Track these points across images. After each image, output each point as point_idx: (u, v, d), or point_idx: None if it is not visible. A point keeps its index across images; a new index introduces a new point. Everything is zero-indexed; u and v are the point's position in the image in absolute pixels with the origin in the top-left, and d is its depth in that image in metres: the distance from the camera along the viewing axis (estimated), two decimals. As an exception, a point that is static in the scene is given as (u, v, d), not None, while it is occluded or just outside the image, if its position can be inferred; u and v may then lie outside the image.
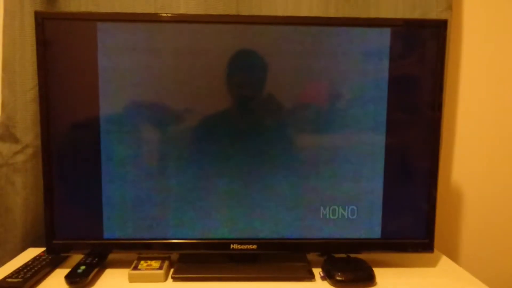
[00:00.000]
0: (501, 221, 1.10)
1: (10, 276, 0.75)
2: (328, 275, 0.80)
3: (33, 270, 0.78)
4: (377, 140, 0.82)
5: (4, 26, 0.90)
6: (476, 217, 1.10)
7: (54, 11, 0.91)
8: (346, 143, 0.82)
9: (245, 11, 0.96)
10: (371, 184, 0.83)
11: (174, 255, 0.86)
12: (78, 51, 0.78)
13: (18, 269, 0.78)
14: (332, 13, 0.96)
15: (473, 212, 1.10)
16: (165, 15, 0.80)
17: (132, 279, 0.78)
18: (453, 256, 1.09)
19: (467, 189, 1.09)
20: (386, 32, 0.79)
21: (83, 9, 0.94)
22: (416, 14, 0.95)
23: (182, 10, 0.93)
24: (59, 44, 0.77)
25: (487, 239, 1.11)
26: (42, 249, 0.88)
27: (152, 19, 0.79)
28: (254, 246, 0.82)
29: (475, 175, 1.08)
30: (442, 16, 0.94)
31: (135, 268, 0.80)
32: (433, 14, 0.95)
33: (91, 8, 0.94)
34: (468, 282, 0.81)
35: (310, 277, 0.80)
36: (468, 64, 1.05)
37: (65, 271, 0.78)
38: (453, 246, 1.11)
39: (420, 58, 0.81)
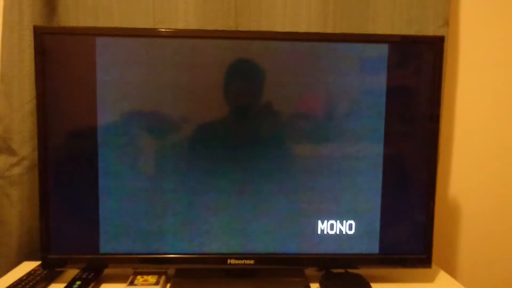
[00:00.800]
0: (499, 235, 1.10)
1: (5, 291, 0.75)
2: (325, 291, 0.79)
3: (28, 286, 0.77)
4: (375, 154, 0.82)
5: (3, 39, 0.90)
6: (473, 231, 1.10)
7: (52, 25, 0.92)
8: (344, 156, 0.82)
9: (243, 25, 0.96)
10: (369, 198, 0.83)
11: (171, 270, 0.86)
12: (76, 65, 0.78)
13: (12, 284, 0.78)
14: (330, 27, 0.96)
15: (471, 226, 1.10)
16: (164, 30, 0.81)
17: (128, 295, 0.77)
18: (451, 270, 1.08)
19: (465, 203, 1.09)
20: (384, 48, 0.80)
21: (82, 22, 0.94)
22: (413, 30, 0.96)
23: (180, 25, 0.93)
24: (57, 58, 0.77)
25: (485, 253, 1.10)
26: (37, 263, 0.87)
27: (150, 34, 0.80)
28: (251, 261, 0.82)
29: (472, 189, 1.09)
30: (439, 32, 0.94)
31: (131, 283, 0.79)
32: (430, 30, 0.95)
33: (90, 21, 0.94)
34: (466, 298, 0.81)
35: (308, 292, 0.80)
36: (465, 78, 1.05)
37: (61, 286, 0.78)
38: (451, 260, 1.11)
39: (418, 74, 0.82)
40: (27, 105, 0.90)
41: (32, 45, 0.77)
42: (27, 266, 0.88)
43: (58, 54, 0.77)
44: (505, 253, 1.11)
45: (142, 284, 0.78)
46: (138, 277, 0.81)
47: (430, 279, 0.88)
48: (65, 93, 0.78)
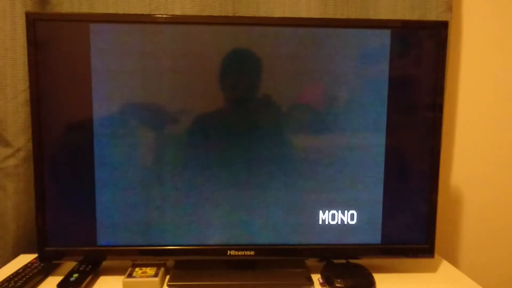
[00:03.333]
0: (501, 225, 1.09)
1: (1, 284, 0.73)
2: (327, 282, 0.78)
3: (24, 278, 0.76)
4: (377, 143, 0.81)
5: (-5, 27, 0.87)
6: (476, 221, 1.09)
7: (46, 11, 0.89)
8: (346, 146, 0.80)
9: (242, 11, 0.94)
10: (371, 188, 0.82)
11: (170, 262, 0.84)
12: (70, 53, 0.76)
13: (9, 277, 0.77)
14: (330, 14, 0.94)
15: (473, 216, 1.09)
16: (160, 16, 0.79)
17: (126, 287, 0.76)
18: (453, 260, 1.08)
19: (467, 193, 1.08)
20: (386, 34, 0.78)
21: (76, 9, 0.92)
22: (415, 15, 0.94)
23: (177, 11, 0.91)
24: (51, 46, 0.75)
25: (487, 243, 1.10)
26: (34, 256, 0.86)
27: (146, 20, 0.77)
28: (252, 252, 0.80)
29: (474, 179, 1.07)
30: (442, 17, 0.92)
31: (130, 275, 0.78)
32: (433, 15, 0.93)
33: (84, 8, 0.92)
34: (469, 287, 0.80)
35: (309, 283, 0.78)
36: (468, 66, 1.03)
37: (58, 278, 0.76)
38: (454, 250, 1.10)
39: (421, 60, 0.80)
40: (21, 95, 0.88)
41: (25, 34, 0.75)
42: (24, 259, 0.87)
43: (52, 42, 0.75)
44: (507, 243, 1.10)
45: (141, 276, 0.77)
46: (137, 269, 0.80)
47: (433, 269, 0.88)
48: (59, 82, 0.76)
